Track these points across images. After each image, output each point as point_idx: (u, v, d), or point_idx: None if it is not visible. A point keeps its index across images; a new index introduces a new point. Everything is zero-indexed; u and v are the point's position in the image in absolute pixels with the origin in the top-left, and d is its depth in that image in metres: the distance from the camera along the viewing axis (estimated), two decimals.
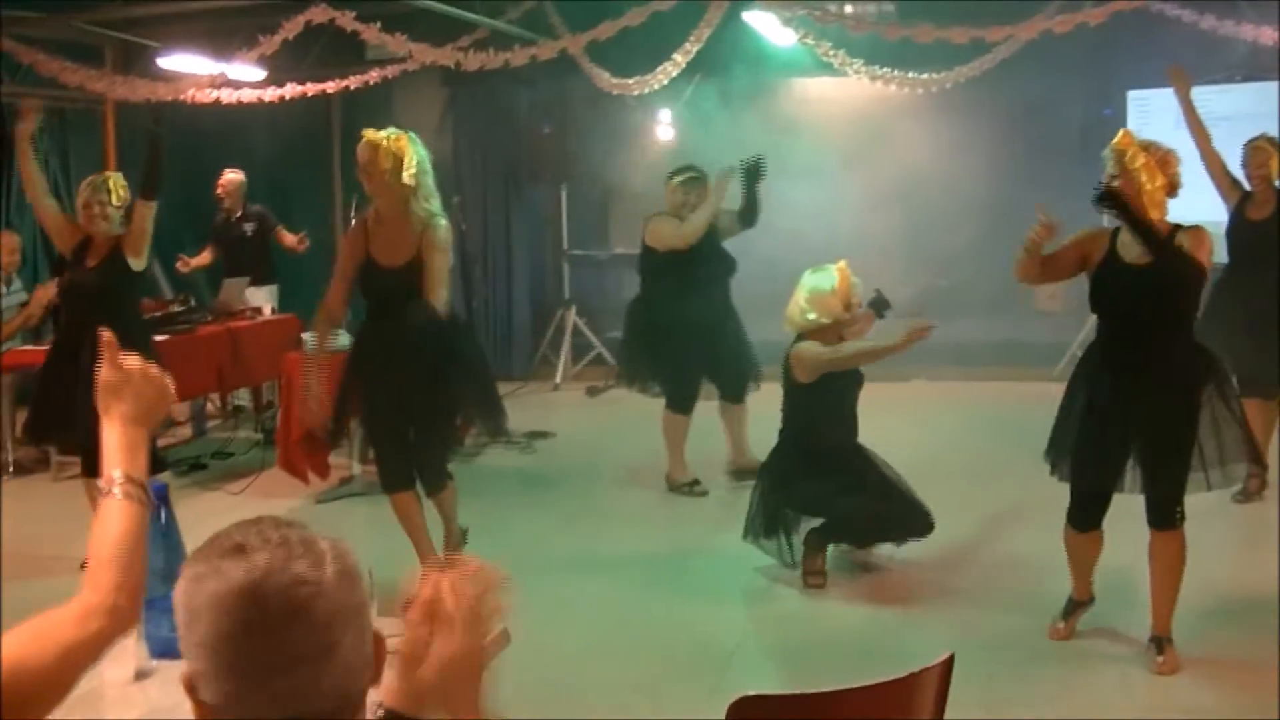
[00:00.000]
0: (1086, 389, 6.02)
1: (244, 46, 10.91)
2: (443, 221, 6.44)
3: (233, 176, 12.02)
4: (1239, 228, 8.43)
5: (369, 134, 6.37)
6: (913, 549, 7.31)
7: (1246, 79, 12.03)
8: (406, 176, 6.26)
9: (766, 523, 7.21)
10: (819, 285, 7.20)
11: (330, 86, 12.18)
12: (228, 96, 11.74)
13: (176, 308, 10.64)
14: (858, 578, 7.28)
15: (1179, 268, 5.71)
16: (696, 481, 9.12)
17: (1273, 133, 8.58)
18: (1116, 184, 5.76)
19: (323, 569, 1.84)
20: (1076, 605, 6.36)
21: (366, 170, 6.35)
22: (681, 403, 9.10)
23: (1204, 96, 12.41)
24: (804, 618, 6.79)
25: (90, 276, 7.40)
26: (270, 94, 11.99)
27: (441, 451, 6.95)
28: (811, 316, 7.16)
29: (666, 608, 6.92)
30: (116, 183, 7.52)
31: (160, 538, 3.16)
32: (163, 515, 3.19)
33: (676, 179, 9.05)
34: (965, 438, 10.54)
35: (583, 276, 14.82)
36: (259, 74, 12.08)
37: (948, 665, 2.86)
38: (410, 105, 14.24)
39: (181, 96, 11.37)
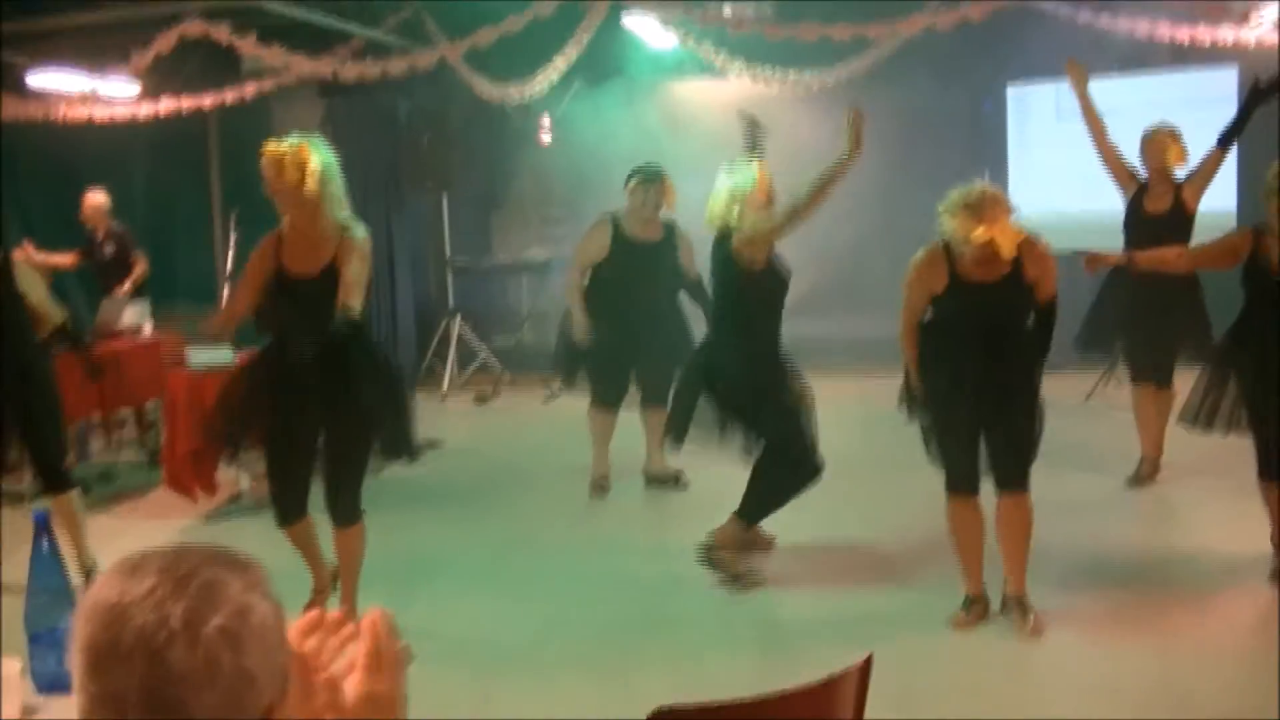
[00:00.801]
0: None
1: (117, 62, 10.75)
2: (359, 229, 6.11)
3: (92, 197, 11.75)
4: (1136, 219, 8.50)
5: (270, 148, 6.01)
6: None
7: (1126, 72, 12.18)
8: (311, 185, 5.96)
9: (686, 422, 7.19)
10: (742, 185, 7.01)
11: (206, 101, 12.02)
12: (100, 114, 11.56)
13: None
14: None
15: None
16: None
17: (1146, 125, 8.64)
18: None
19: (201, 624, 1.69)
20: (973, 602, 6.42)
21: (273, 185, 6.01)
22: (605, 397, 9.15)
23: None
24: (720, 611, 6.82)
25: None
26: (144, 110, 11.83)
27: (357, 478, 6.38)
28: (737, 216, 6.96)
29: (579, 610, 6.90)
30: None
31: (43, 568, 3.08)
32: (44, 545, 3.10)
33: (633, 180, 8.82)
34: (864, 436, 10.55)
35: (467, 285, 14.75)
36: (133, 90, 11.92)
37: (866, 667, 2.83)
38: (288, 117, 14.04)
39: (52, 115, 11.18)
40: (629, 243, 8.83)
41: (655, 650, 6.29)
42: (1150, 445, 8.74)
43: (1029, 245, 5.97)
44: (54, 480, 7.44)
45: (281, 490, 6.43)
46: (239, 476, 9.12)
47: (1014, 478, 6.18)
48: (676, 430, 7.33)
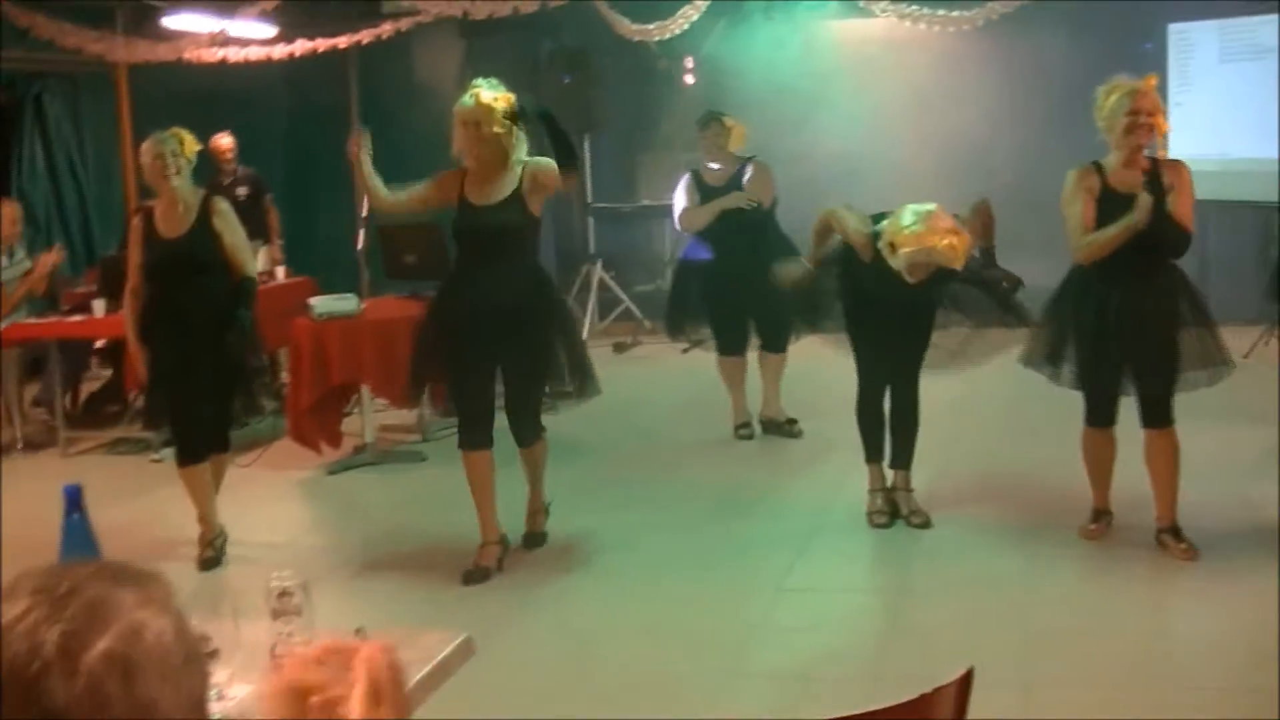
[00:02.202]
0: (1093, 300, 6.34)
1: (250, 2, 10.58)
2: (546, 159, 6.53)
3: (218, 140, 11.61)
4: None
5: (482, 98, 6.35)
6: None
7: None
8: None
9: None
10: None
11: (342, 41, 11.86)
12: (234, 55, 11.42)
13: None
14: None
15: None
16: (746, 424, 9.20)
17: None
18: None
19: (81, 650, 1.40)
20: (1100, 514, 6.70)
21: (480, 131, 6.35)
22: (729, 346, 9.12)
23: (1249, 27, 12.03)
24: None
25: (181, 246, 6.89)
26: (279, 51, 11.67)
27: (536, 401, 6.78)
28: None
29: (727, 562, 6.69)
30: (187, 138, 6.99)
31: (74, 541, 2.83)
32: (75, 518, 2.84)
33: (697, 126, 9.09)
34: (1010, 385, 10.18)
35: (608, 230, 14.46)
36: (269, 32, 11.78)
37: (965, 682, 2.49)
38: (429, 59, 13.92)
39: (185, 56, 11.04)
40: (707, 189, 8.95)
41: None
42: None
43: (1171, 164, 6.28)
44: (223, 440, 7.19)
45: (465, 417, 6.75)
46: (364, 428, 8.89)
47: (1162, 413, 6.34)
48: None
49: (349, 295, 8.72)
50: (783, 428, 9.16)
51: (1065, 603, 5.97)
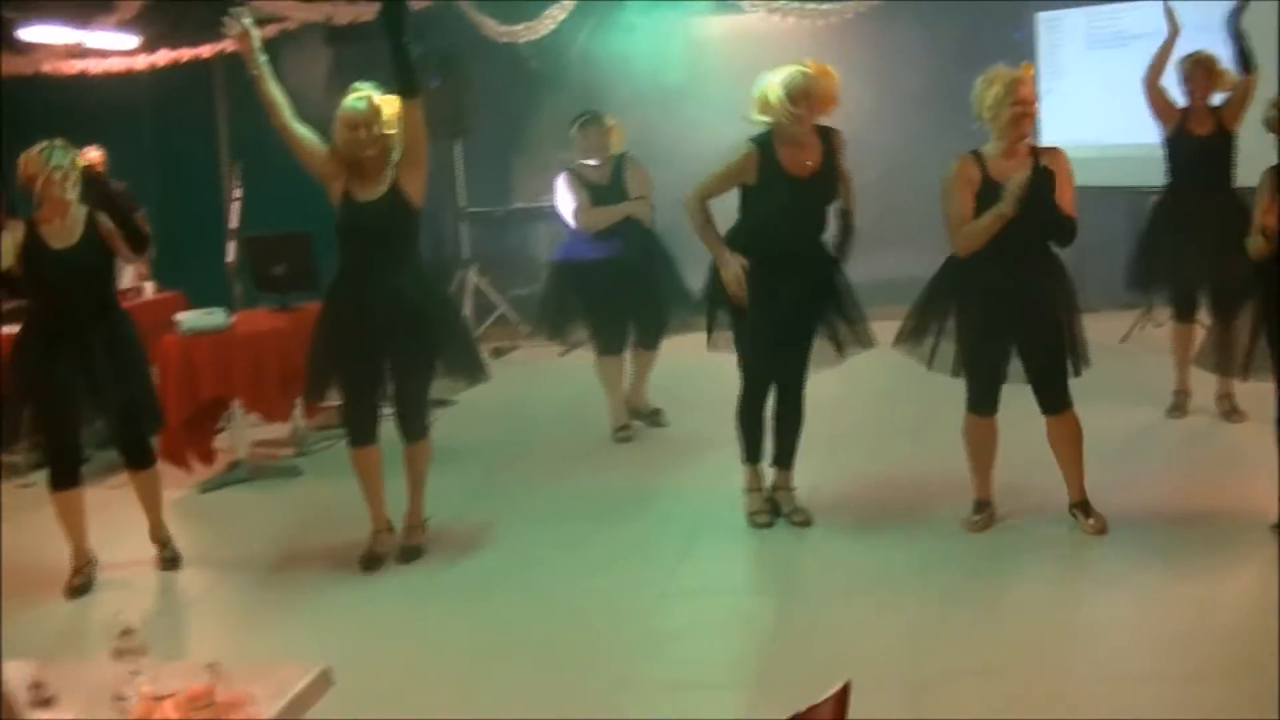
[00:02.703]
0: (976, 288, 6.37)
1: (105, 13, 10.36)
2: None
3: (85, 154, 11.31)
4: (1180, 144, 8.22)
5: (370, 100, 6.47)
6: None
7: None
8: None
9: None
10: None
11: (205, 51, 11.65)
12: (95, 67, 11.17)
13: None
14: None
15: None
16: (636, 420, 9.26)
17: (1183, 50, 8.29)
18: None
19: None
20: (983, 505, 6.72)
21: (369, 132, 6.43)
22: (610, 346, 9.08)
23: (1115, 14, 12.12)
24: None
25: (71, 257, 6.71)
26: (141, 62, 11.45)
27: (424, 396, 6.87)
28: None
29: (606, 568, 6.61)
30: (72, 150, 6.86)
31: None
32: None
33: (575, 124, 9.00)
34: (881, 373, 10.16)
35: (482, 234, 14.30)
36: (131, 42, 11.54)
37: (842, 697, 2.42)
38: (297, 66, 13.63)
39: (43, 69, 10.77)
40: (593, 187, 8.87)
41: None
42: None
43: (1049, 152, 6.31)
44: (143, 454, 7.11)
45: (352, 415, 6.83)
46: (236, 444, 8.71)
47: (1060, 397, 6.45)
48: None
49: (217, 309, 8.54)
50: (649, 417, 9.30)
51: (952, 597, 5.94)
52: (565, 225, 9.07)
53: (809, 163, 6.60)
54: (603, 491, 7.92)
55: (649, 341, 9.06)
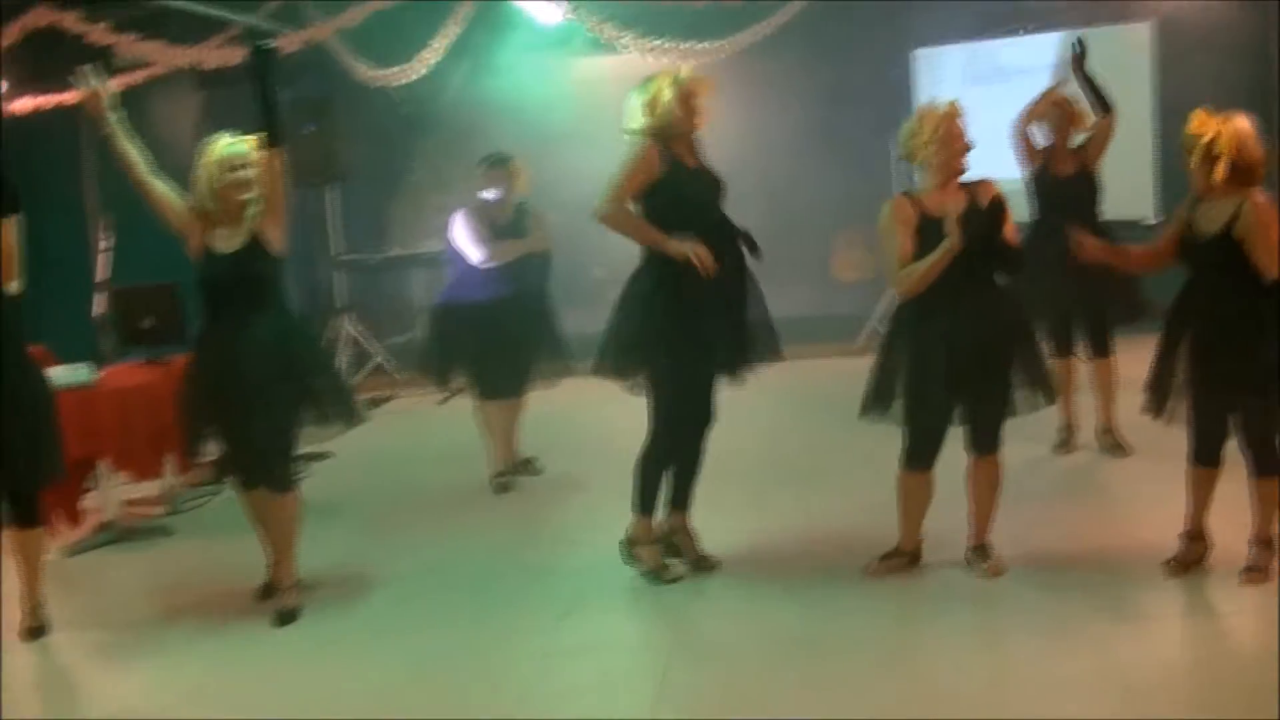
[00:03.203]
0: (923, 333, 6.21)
1: None
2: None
3: None
4: (1045, 184, 8.33)
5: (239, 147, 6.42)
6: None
7: (1038, 29, 11.78)
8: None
9: None
10: None
11: (69, 97, 11.33)
12: None
13: None
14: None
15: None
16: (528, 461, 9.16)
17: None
18: None
19: None
20: (900, 554, 6.56)
21: (241, 182, 6.37)
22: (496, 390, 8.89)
23: (994, 49, 12.20)
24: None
25: None
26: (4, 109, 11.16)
27: (289, 445, 6.59)
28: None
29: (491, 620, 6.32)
30: None
31: None
32: None
33: (482, 166, 8.76)
34: (767, 417, 10.05)
35: (357, 282, 14.09)
36: None
37: None
38: (166, 112, 13.40)
39: None
40: (495, 225, 8.67)
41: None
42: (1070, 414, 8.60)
43: (982, 184, 6.22)
44: (29, 511, 6.68)
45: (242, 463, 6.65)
46: (105, 504, 8.41)
47: (991, 440, 6.37)
48: None
49: (82, 365, 8.24)
50: (523, 466, 9.13)
51: (853, 645, 5.78)
52: (455, 266, 8.81)
53: (693, 163, 6.54)
54: (485, 545, 7.69)
55: (521, 388, 8.91)
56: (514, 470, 8.99)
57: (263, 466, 6.55)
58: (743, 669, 5.62)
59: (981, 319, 6.12)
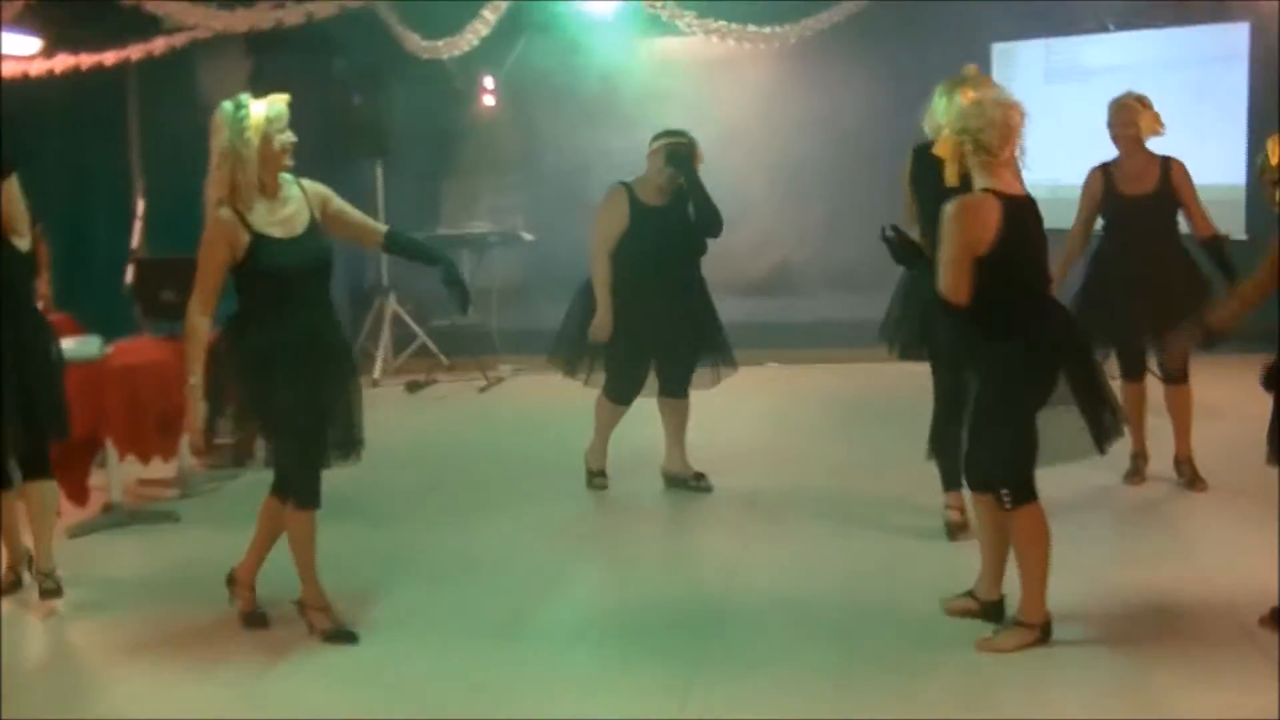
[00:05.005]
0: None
1: None
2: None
3: None
4: (1112, 201, 7.67)
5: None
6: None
7: (1120, 29, 11.21)
8: None
9: None
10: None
11: (109, 58, 11.02)
12: None
13: None
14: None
15: None
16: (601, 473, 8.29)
17: (1148, 86, 7.72)
18: None
19: None
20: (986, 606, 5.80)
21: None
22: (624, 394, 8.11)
23: (1073, 47, 11.67)
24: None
25: None
26: (37, 68, 10.80)
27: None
28: None
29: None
30: None
31: None
32: None
33: (657, 141, 7.90)
34: (822, 424, 9.58)
35: (403, 261, 13.64)
36: (33, 44, 10.91)
37: None
38: (213, 78, 13.00)
39: None
40: (647, 210, 7.87)
41: None
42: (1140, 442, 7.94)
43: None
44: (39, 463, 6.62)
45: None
46: (110, 485, 7.98)
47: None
48: None
49: (93, 338, 7.82)
50: (692, 481, 8.14)
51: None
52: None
53: None
54: (518, 554, 7.14)
55: (682, 389, 8.13)
56: (681, 484, 8.17)
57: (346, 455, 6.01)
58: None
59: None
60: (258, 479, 6.16)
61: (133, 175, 13.39)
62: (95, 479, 8.09)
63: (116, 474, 7.98)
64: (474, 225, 13.24)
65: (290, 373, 5.69)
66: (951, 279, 5.27)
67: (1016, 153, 5.38)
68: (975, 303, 5.28)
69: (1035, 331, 5.37)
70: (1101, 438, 5.54)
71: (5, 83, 10.83)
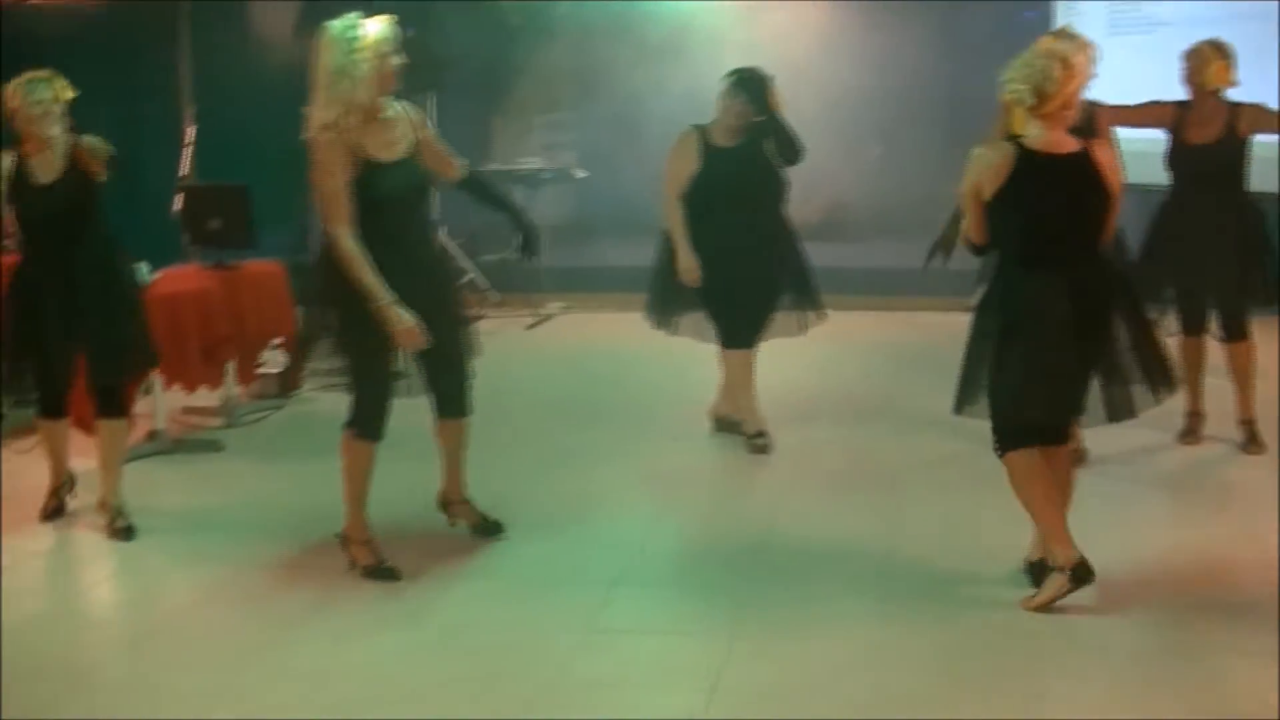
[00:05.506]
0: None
1: None
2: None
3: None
4: (1179, 152, 7.47)
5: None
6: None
7: None
8: None
9: None
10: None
11: None
12: None
13: None
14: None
15: None
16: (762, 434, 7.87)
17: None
18: None
19: None
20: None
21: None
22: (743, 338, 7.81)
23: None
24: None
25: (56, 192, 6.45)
26: None
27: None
28: None
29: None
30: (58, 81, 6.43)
31: None
32: None
33: (730, 79, 7.61)
34: (873, 373, 9.49)
35: (455, 195, 13.56)
36: None
37: None
38: (263, 13, 12.95)
39: None
40: (720, 152, 7.60)
41: None
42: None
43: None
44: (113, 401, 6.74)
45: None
46: (155, 414, 7.96)
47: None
48: None
49: (139, 265, 7.78)
50: (752, 437, 7.87)
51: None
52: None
53: None
54: (559, 498, 7.06)
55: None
56: (732, 428, 7.99)
57: (460, 390, 6.18)
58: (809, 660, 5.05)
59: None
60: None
61: (182, 103, 13.34)
62: (140, 406, 8.06)
63: (161, 401, 7.98)
64: (527, 161, 13.15)
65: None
66: (969, 219, 5.35)
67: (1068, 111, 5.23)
68: (990, 246, 5.37)
69: (1033, 288, 5.25)
70: (1155, 388, 5.46)
71: (58, 10, 10.80)
